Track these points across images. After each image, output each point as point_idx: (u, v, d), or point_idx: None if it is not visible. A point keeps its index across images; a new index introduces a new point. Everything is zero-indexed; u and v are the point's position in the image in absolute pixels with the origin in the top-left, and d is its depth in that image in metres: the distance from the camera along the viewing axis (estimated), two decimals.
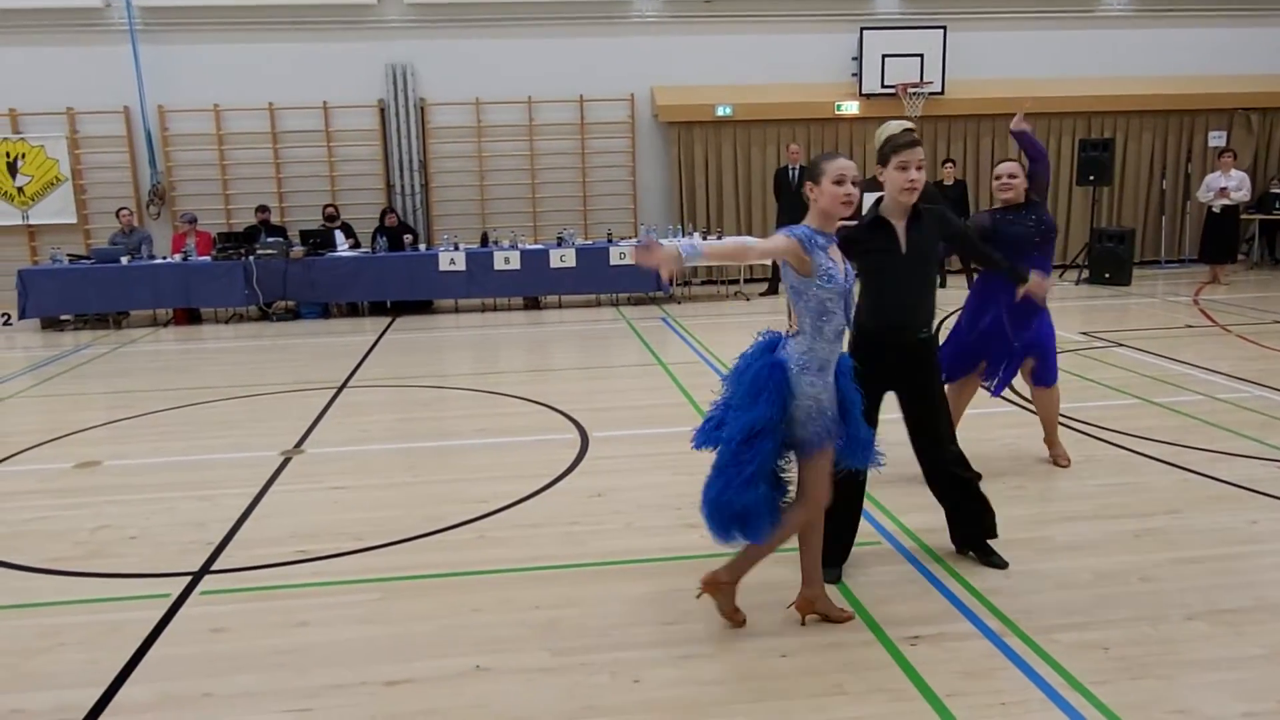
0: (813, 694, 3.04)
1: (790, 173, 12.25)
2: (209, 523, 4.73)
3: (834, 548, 3.82)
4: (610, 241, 11.86)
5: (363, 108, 12.96)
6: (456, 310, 12.14)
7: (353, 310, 12.09)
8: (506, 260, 11.48)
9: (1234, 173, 12.45)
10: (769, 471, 3.28)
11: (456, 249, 11.58)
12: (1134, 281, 12.48)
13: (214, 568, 4.20)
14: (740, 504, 3.24)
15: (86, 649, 3.49)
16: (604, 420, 6.46)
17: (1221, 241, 12.40)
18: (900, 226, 3.67)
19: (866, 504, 4.73)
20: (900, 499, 4.74)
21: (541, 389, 7.51)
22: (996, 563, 3.94)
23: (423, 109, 13.03)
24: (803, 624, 3.53)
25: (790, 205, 12.24)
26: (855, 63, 13.36)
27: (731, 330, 10.31)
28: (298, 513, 4.88)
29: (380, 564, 4.21)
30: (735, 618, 3.51)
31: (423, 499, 5.05)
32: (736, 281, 12.86)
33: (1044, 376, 5.13)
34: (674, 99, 13.12)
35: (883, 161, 3.66)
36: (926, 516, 4.54)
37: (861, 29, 13.24)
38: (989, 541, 4.00)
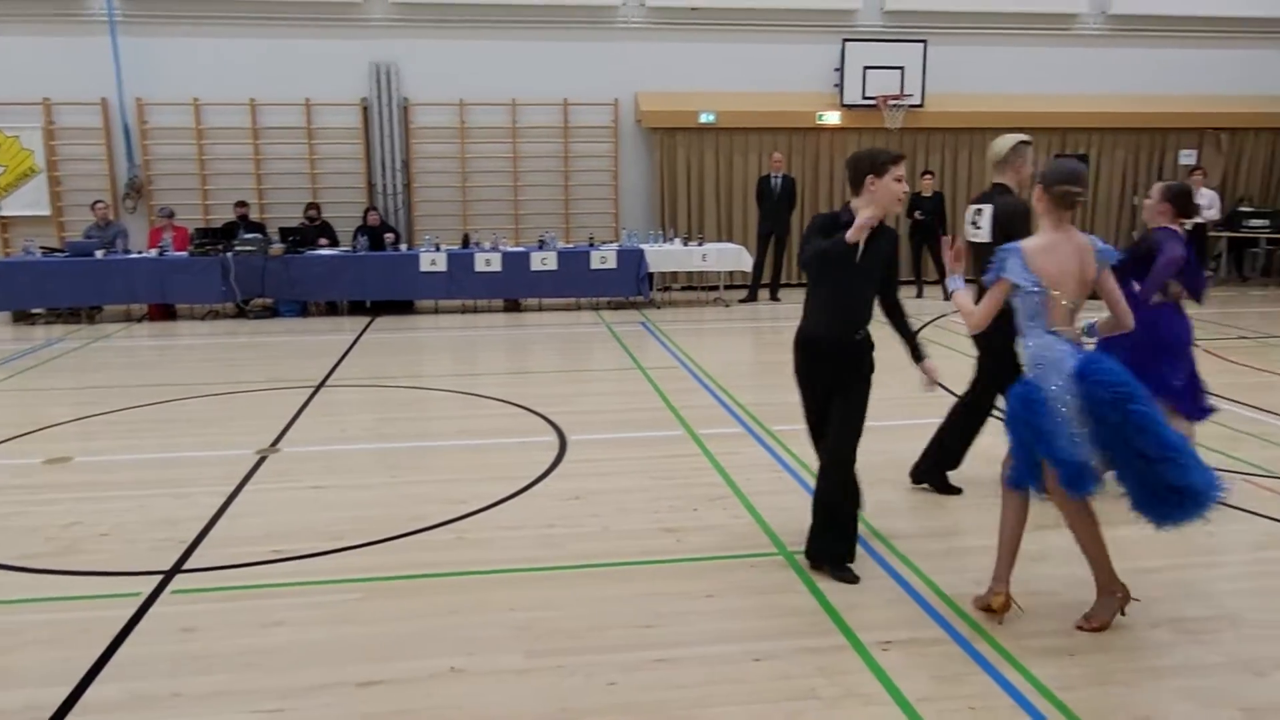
0: (786, 698, 3.08)
1: (772, 181, 12.34)
2: (182, 521, 4.70)
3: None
4: (591, 245, 11.88)
5: (345, 106, 12.91)
6: (436, 311, 12.11)
7: (331, 309, 12.03)
8: (487, 262, 11.47)
9: (1205, 191, 12.66)
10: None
11: (438, 250, 11.57)
12: None
13: (186, 566, 4.18)
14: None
15: (56, 647, 3.47)
16: (583, 423, 6.48)
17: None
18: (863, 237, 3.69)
19: None
20: (873, 504, 4.78)
21: (521, 391, 7.51)
22: (848, 578, 3.93)
23: (406, 109, 13.00)
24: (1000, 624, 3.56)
25: (771, 213, 12.35)
26: (837, 74, 13.47)
27: (710, 336, 10.38)
28: (273, 512, 4.86)
29: (357, 564, 4.20)
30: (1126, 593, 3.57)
31: (401, 499, 5.05)
32: (716, 288, 12.92)
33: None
34: (658, 105, 13.17)
35: (879, 173, 3.70)
36: (898, 521, 4.61)
37: (844, 40, 13.36)
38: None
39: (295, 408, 7.02)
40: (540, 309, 12.14)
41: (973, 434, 5.08)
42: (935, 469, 5.09)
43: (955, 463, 5.09)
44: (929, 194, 12.30)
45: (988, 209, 4.83)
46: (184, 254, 11.36)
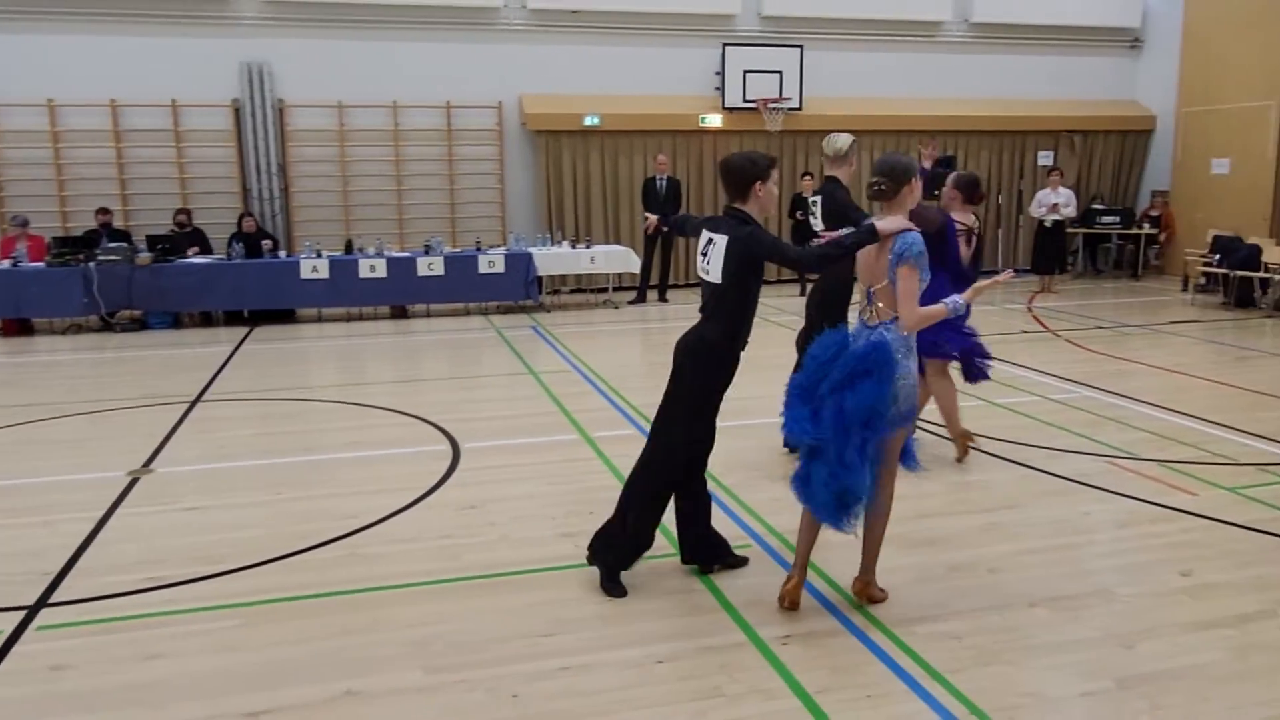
0: (692, 698, 3.10)
1: (658, 183, 12.44)
2: (46, 551, 4.40)
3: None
4: (479, 249, 11.72)
5: (215, 107, 12.34)
6: (319, 319, 11.72)
7: (206, 320, 11.49)
8: (372, 268, 11.17)
9: (1062, 190, 13.45)
10: (875, 452, 3.45)
11: (319, 256, 11.19)
12: None
13: (53, 600, 3.92)
14: (858, 488, 3.39)
15: None
16: (476, 430, 6.39)
17: (1052, 253, 13.34)
18: None
19: (736, 507, 4.88)
20: (766, 501, 4.89)
21: (411, 400, 7.35)
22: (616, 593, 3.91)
23: (281, 110, 12.52)
24: (859, 606, 3.73)
25: (657, 213, 12.40)
26: (718, 77, 13.69)
27: (601, 339, 10.39)
28: (147, 537, 4.61)
29: (241, 588, 4.02)
30: (882, 596, 3.76)
31: (288, 516, 4.86)
32: (605, 290, 12.94)
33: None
34: (542, 107, 13.11)
35: (765, 178, 3.72)
36: (792, 518, 4.69)
37: (724, 45, 13.59)
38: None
39: (169, 425, 6.67)
40: (428, 315, 11.89)
41: None
42: None
43: None
44: (810, 195, 12.60)
45: (821, 200, 5.45)
46: (40, 264, 10.64)
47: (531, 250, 11.78)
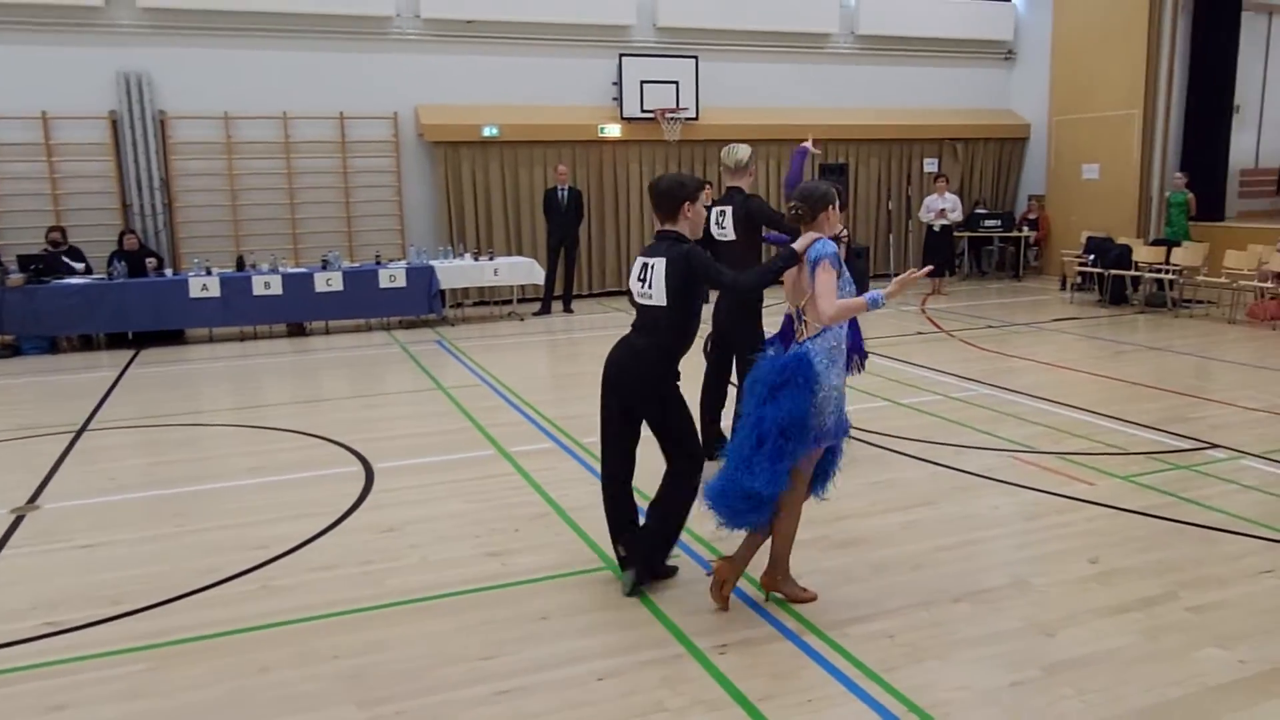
0: (635, 714, 3.08)
1: (559, 193, 12.39)
2: None
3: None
4: (379, 264, 11.43)
5: (91, 119, 11.67)
6: (211, 340, 11.20)
7: (87, 344, 10.84)
8: (267, 285, 10.76)
9: (948, 195, 14.01)
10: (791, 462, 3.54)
11: (209, 274, 10.70)
12: None
13: None
14: (771, 494, 3.52)
15: None
16: (388, 450, 6.21)
17: (940, 256, 13.88)
18: None
19: None
20: (695, 512, 4.90)
21: (315, 420, 7.10)
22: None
23: (163, 122, 11.94)
24: (765, 600, 3.88)
25: (560, 224, 12.39)
26: (615, 87, 13.74)
27: (509, 351, 10.27)
28: (38, 579, 4.31)
29: (147, 629, 3.79)
30: (807, 596, 3.85)
31: (192, 550, 4.62)
32: (510, 302, 12.81)
33: None
34: (439, 118, 12.89)
35: (694, 199, 3.86)
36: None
37: (620, 55, 13.65)
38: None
39: (53, 457, 6.26)
40: (328, 332, 11.52)
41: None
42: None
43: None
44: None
45: (729, 210, 5.50)
46: None
47: (434, 263, 11.56)
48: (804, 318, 3.65)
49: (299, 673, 3.41)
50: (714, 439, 5.41)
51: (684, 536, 4.58)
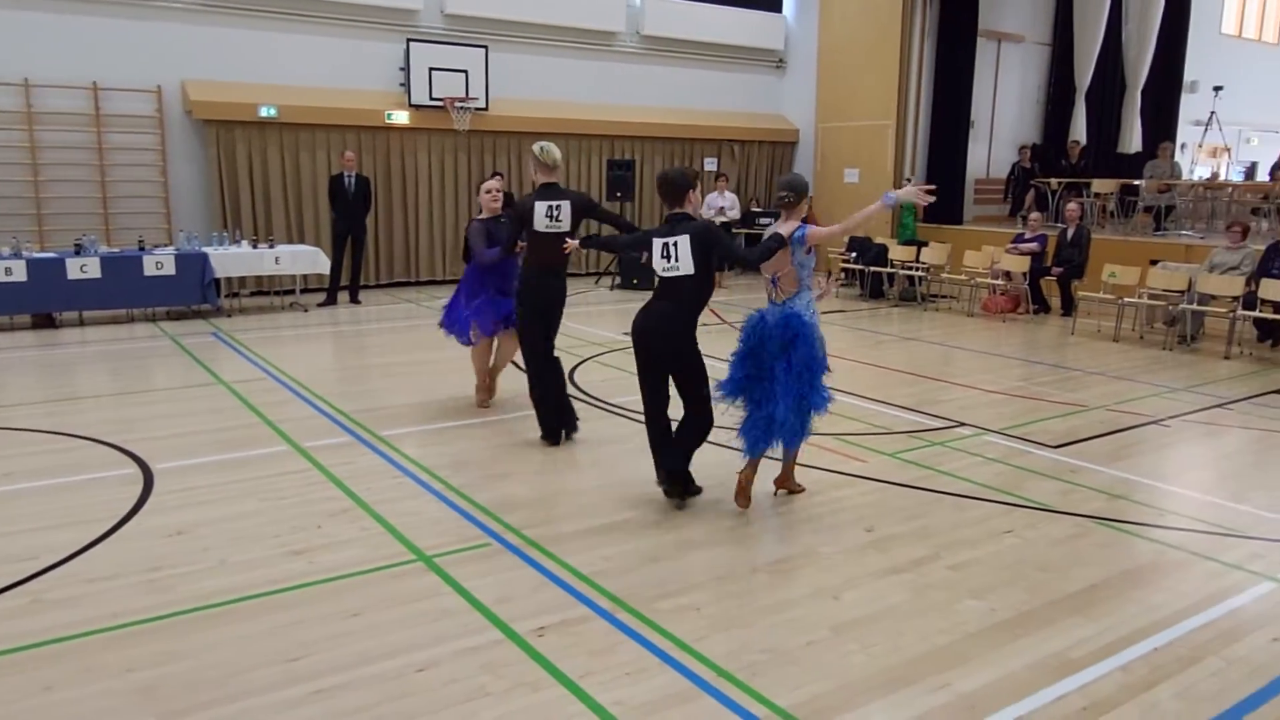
0: (459, 701, 3.11)
1: (346, 180, 11.93)
2: None
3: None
4: (143, 249, 10.53)
5: None
6: None
7: None
8: (8, 271, 9.62)
9: (727, 193, 14.77)
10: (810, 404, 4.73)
11: None
12: None
13: None
14: (804, 425, 4.75)
15: None
16: (167, 449, 5.80)
17: None
18: None
19: (469, 507, 4.91)
20: (500, 497, 4.96)
21: (75, 420, 6.49)
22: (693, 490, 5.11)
23: None
24: (775, 495, 5.08)
25: (346, 213, 11.94)
26: (403, 73, 13.39)
27: (293, 343, 9.80)
28: None
29: None
30: (801, 488, 5.16)
31: None
32: (292, 292, 12.18)
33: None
34: (210, 95, 12.03)
35: (694, 187, 4.87)
36: (527, 513, 4.83)
37: (408, 40, 13.31)
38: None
39: None
40: (82, 324, 10.48)
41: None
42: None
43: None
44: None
45: (566, 204, 5.81)
46: None
47: (207, 250, 10.80)
48: (781, 284, 4.70)
49: (88, 690, 3.17)
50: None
51: (491, 523, 4.66)
